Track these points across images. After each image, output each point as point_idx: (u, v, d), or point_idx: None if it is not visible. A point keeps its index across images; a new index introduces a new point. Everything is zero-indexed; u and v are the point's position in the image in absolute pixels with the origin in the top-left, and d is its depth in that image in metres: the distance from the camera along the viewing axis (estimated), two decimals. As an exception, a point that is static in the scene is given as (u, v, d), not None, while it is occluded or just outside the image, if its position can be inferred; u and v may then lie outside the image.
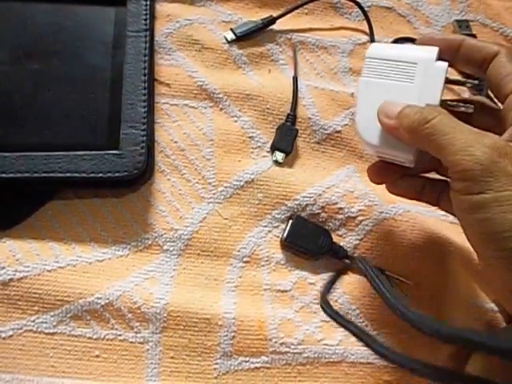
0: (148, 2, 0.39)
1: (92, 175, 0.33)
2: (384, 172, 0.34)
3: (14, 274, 0.33)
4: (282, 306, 0.36)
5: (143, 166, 0.34)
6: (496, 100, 0.31)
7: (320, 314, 0.36)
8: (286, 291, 0.36)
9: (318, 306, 0.36)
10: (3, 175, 0.33)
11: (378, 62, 0.31)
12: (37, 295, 0.33)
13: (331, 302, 0.36)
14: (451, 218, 0.39)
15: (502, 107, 0.30)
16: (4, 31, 0.37)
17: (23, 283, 0.33)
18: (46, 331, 0.33)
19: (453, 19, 0.47)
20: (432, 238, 0.38)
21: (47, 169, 0.34)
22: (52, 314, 0.33)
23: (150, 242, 0.36)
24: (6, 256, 0.34)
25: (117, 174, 0.33)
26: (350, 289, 0.37)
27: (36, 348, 0.33)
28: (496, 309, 0.37)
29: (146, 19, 0.38)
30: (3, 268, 0.33)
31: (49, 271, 0.34)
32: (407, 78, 0.30)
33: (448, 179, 0.34)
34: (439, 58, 0.30)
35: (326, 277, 0.37)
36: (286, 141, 0.40)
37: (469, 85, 0.32)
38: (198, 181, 0.38)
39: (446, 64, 0.30)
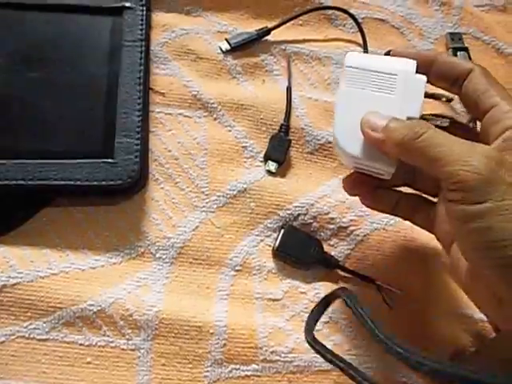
0: (144, 12, 0.40)
1: (86, 183, 0.34)
2: (359, 183, 0.34)
3: (8, 281, 0.34)
4: (273, 315, 0.36)
5: (137, 174, 0.35)
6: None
7: (311, 323, 0.36)
8: (277, 300, 0.37)
9: (309, 315, 0.37)
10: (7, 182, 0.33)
11: (357, 72, 0.30)
12: (30, 301, 0.34)
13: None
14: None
15: (477, 123, 0.30)
16: (2, 38, 0.38)
17: (16, 289, 0.34)
18: (39, 337, 0.33)
19: (446, 32, 0.48)
20: (421, 248, 0.39)
21: (42, 176, 0.34)
22: (44, 320, 0.34)
23: (142, 250, 0.36)
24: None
25: (111, 183, 0.34)
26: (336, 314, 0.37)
27: (28, 354, 0.33)
28: (485, 318, 0.37)
29: (142, 29, 0.39)
30: None
31: (42, 278, 0.34)
32: (388, 90, 0.30)
33: (420, 193, 0.35)
34: (416, 72, 0.30)
35: (317, 286, 0.38)
36: (278, 151, 0.40)
37: (444, 99, 0.33)
38: (191, 189, 0.38)
39: (425, 77, 0.30)
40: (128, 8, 0.39)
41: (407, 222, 0.38)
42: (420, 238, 0.39)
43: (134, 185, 0.35)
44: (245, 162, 0.40)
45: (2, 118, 0.36)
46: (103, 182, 0.34)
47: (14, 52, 0.38)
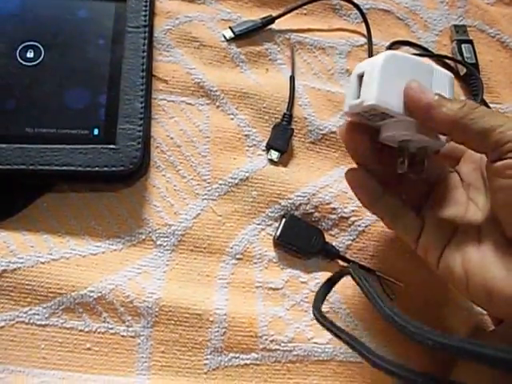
0: None
1: (88, 169, 0.34)
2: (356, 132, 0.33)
3: (8, 266, 0.34)
4: (273, 304, 0.36)
5: (139, 161, 0.34)
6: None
7: (310, 313, 0.36)
8: (277, 289, 0.37)
9: (309, 305, 0.36)
10: (3, 167, 0.33)
11: (398, 57, 0.30)
12: (30, 287, 0.34)
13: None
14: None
15: None
16: (4, 23, 0.38)
17: (16, 274, 0.34)
18: (38, 323, 0.33)
19: (451, 24, 0.47)
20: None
21: (43, 161, 0.34)
22: (44, 305, 0.33)
23: (143, 237, 0.36)
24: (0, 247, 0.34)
25: (113, 169, 0.34)
26: (341, 288, 0.37)
27: (27, 339, 0.33)
28: (484, 312, 0.37)
29: (145, 15, 0.39)
30: None
31: (42, 263, 0.34)
32: (426, 78, 0.30)
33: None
34: None
35: (318, 276, 0.38)
36: (281, 140, 0.40)
37: None
38: (193, 177, 0.38)
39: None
40: None
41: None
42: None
43: (136, 171, 0.35)
44: (247, 150, 0.40)
45: (4, 102, 0.35)
46: (105, 168, 0.33)
47: (16, 36, 0.37)
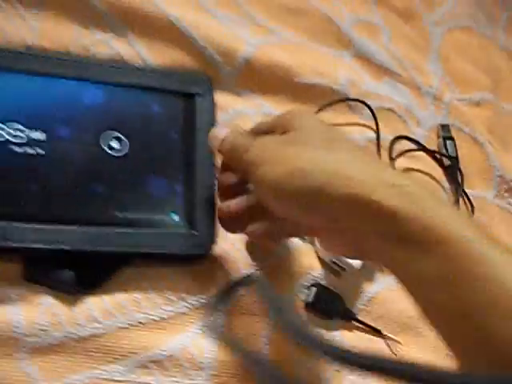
0: (212, 98, 0.45)
1: (168, 251, 0.40)
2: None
3: (91, 331, 0.38)
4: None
5: (213, 244, 0.41)
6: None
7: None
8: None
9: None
10: (100, 248, 0.39)
11: None
12: (109, 348, 0.39)
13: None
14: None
15: None
16: (88, 113, 0.42)
17: (98, 338, 0.38)
18: (117, 379, 0.38)
19: (437, 123, 0.59)
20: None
21: (129, 243, 0.39)
22: (122, 364, 0.38)
23: (205, 301, 0.43)
24: (85, 314, 0.39)
25: (195, 252, 0.41)
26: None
27: None
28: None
29: (211, 111, 0.45)
30: (83, 326, 0.38)
31: (120, 328, 0.39)
32: None
33: None
34: None
35: (337, 334, 0.46)
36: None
37: None
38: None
39: None
40: (199, 94, 0.45)
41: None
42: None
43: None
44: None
45: (93, 188, 0.40)
46: (187, 251, 0.40)
47: (100, 126, 0.42)
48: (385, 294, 0.49)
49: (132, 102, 0.44)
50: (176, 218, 0.42)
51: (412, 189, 0.30)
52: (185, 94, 0.45)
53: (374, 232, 0.31)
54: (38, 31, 0.46)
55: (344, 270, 0.48)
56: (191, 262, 0.43)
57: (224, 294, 0.38)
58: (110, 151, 0.42)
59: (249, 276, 0.38)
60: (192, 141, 0.44)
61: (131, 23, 0.48)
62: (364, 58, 0.58)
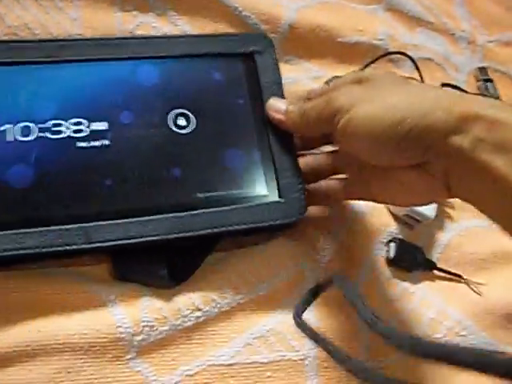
0: (274, 55, 0.43)
1: (259, 225, 0.38)
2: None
3: (194, 320, 0.38)
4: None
5: (305, 210, 0.39)
6: None
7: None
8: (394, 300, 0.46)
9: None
10: (189, 234, 0.37)
11: None
12: (214, 332, 0.38)
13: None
14: None
15: None
16: (149, 94, 0.40)
17: (201, 325, 0.38)
18: (226, 363, 0.38)
19: (475, 66, 0.59)
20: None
21: (217, 224, 0.38)
22: (227, 346, 0.38)
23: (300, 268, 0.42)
24: (186, 304, 0.38)
25: (283, 221, 0.39)
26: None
27: (218, 379, 0.37)
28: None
29: (275, 69, 0.42)
30: (186, 316, 0.38)
31: (222, 312, 0.39)
32: None
33: None
34: None
35: (421, 286, 0.47)
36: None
37: None
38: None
39: None
40: (258, 52, 0.43)
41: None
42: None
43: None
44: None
45: (170, 171, 0.38)
46: (277, 222, 0.39)
47: (163, 105, 0.40)
48: (457, 240, 0.50)
49: (189, 72, 0.41)
50: (260, 188, 0.40)
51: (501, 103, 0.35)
52: (243, 55, 0.43)
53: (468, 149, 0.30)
54: (79, 21, 0.44)
55: (418, 221, 0.48)
56: (281, 233, 0.42)
57: (309, 297, 0.38)
58: (178, 130, 0.40)
59: (334, 278, 0.37)
60: (260, 103, 0.42)
61: (171, 1, 0.47)
62: (396, 10, 0.57)
